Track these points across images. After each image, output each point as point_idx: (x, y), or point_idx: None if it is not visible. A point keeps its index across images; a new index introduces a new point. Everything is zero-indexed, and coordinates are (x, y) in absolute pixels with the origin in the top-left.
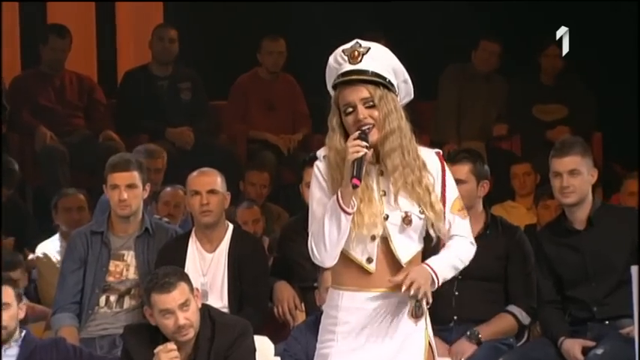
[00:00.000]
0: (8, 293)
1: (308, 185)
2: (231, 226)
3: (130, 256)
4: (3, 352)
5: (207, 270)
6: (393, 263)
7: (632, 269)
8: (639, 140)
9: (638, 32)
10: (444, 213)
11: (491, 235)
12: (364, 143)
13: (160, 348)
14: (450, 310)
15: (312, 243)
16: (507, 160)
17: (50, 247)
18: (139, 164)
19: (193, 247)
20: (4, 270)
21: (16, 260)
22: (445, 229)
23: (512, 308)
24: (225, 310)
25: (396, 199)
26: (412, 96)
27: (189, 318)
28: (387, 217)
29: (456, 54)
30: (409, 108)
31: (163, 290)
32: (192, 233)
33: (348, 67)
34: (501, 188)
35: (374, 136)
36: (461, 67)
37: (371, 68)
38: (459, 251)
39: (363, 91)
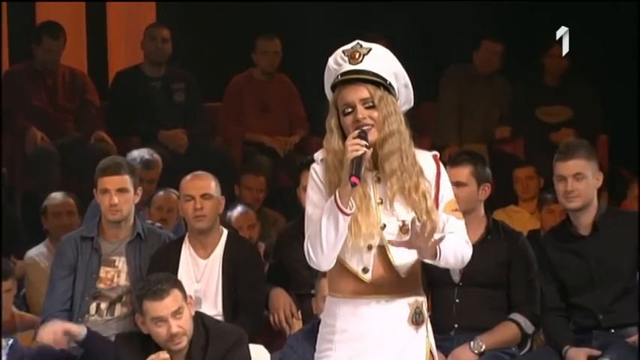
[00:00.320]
0: None
1: (305, 189)
2: (225, 232)
3: (121, 262)
4: None
5: (201, 276)
6: (391, 272)
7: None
8: None
9: (639, 32)
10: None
11: (493, 241)
12: (364, 142)
13: (152, 357)
14: (451, 317)
15: (308, 246)
16: (510, 163)
17: (39, 253)
18: (131, 167)
19: (186, 252)
20: None
21: (8, 269)
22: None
23: (516, 316)
24: (220, 318)
25: (391, 206)
26: (412, 104)
27: (182, 326)
28: (384, 227)
29: (457, 54)
30: (409, 112)
31: (156, 297)
32: (186, 239)
33: (348, 67)
34: (504, 192)
35: (373, 136)
36: (462, 68)
37: (372, 69)
38: (458, 245)
39: (363, 91)
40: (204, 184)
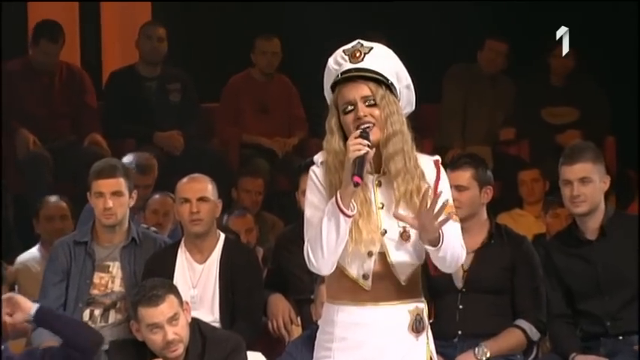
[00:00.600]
0: None
1: (304, 193)
2: (222, 236)
3: (115, 268)
4: None
5: (198, 282)
6: (391, 279)
7: None
8: None
9: (639, 32)
10: None
11: (496, 245)
12: (366, 142)
13: None
14: (454, 324)
15: (308, 249)
16: (515, 165)
17: (31, 258)
18: (126, 170)
19: (182, 257)
20: None
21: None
22: None
23: (521, 323)
24: (217, 325)
25: (397, 207)
26: (414, 107)
27: (178, 333)
28: (384, 232)
29: (460, 54)
30: (411, 113)
31: (151, 303)
32: (182, 243)
33: (348, 65)
34: (508, 196)
35: (375, 135)
36: (466, 68)
37: (373, 67)
38: (456, 243)
39: (364, 89)
40: (200, 187)
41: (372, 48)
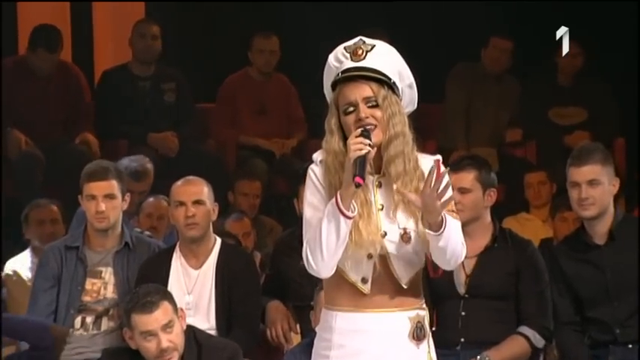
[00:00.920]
0: None
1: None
2: (219, 240)
3: (108, 274)
4: None
5: (193, 288)
6: (392, 283)
7: None
8: None
9: (639, 32)
10: None
11: (500, 249)
12: (367, 141)
13: None
14: (456, 332)
15: (307, 251)
16: (521, 168)
17: (20, 264)
18: (118, 172)
19: (177, 262)
20: None
21: None
22: None
23: (525, 330)
24: (213, 332)
25: (395, 213)
26: (415, 106)
27: (172, 340)
28: (384, 234)
29: (464, 52)
30: (413, 113)
31: (145, 310)
32: (177, 248)
33: (350, 64)
34: (514, 199)
35: (377, 137)
36: (469, 67)
37: (375, 66)
38: (458, 237)
39: (366, 89)
40: (196, 190)
41: (374, 46)
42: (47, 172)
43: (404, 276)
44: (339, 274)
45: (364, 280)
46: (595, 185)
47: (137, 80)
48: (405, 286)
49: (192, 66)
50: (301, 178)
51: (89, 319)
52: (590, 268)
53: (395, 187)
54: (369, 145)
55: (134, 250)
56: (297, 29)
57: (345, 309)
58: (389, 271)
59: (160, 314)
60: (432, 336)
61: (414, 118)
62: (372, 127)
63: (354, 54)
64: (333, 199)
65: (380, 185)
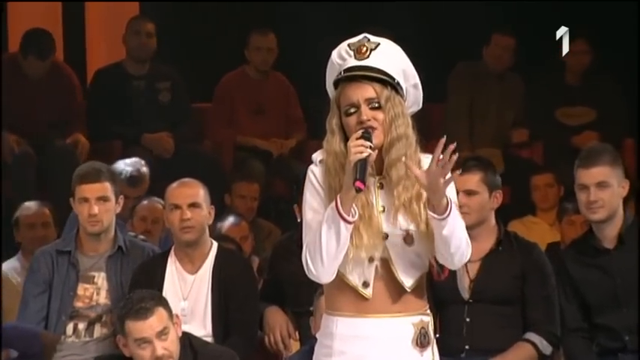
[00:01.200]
0: None
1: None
2: (215, 245)
3: (100, 279)
4: None
5: (189, 293)
6: (394, 287)
7: None
8: None
9: (639, 32)
10: None
11: (505, 252)
12: (368, 143)
13: None
14: (461, 338)
15: (306, 256)
16: (527, 169)
17: (10, 268)
18: (111, 174)
19: (173, 267)
20: None
21: None
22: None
23: (531, 336)
24: (209, 340)
25: (395, 216)
26: (420, 106)
27: (167, 348)
28: (386, 237)
29: (465, 51)
30: (417, 113)
31: (139, 317)
32: (172, 252)
33: (353, 62)
34: (520, 202)
35: (378, 139)
36: (471, 66)
37: (379, 65)
38: (463, 233)
39: (369, 90)
40: (192, 193)
41: (378, 44)
42: (39, 174)
43: (407, 279)
44: (340, 279)
45: (366, 285)
46: (604, 187)
47: (131, 79)
48: (408, 290)
49: (187, 64)
50: (301, 183)
51: (81, 326)
52: (599, 273)
53: (395, 191)
54: (370, 147)
55: (128, 255)
56: (295, 26)
57: (347, 314)
58: (391, 274)
59: (155, 321)
60: (436, 343)
61: (419, 117)
62: (374, 129)
63: (357, 52)
64: (333, 203)
65: (381, 187)
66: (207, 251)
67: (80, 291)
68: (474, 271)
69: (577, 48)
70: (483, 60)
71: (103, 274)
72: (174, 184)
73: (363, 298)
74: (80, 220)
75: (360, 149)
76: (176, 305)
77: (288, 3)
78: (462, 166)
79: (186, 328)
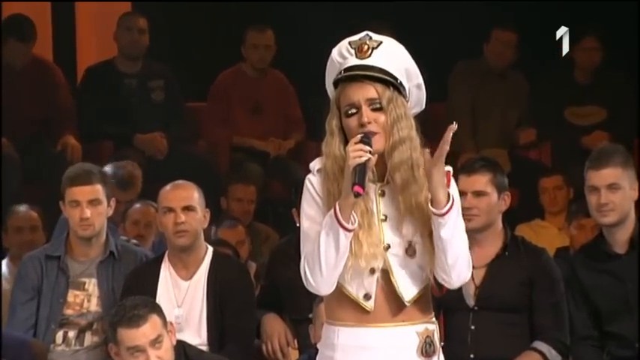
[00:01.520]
0: None
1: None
2: (210, 249)
3: (91, 285)
4: None
5: (183, 300)
6: (395, 299)
7: None
8: None
9: (639, 32)
10: None
11: (511, 257)
12: (367, 148)
13: None
14: (466, 347)
15: (305, 266)
16: (535, 171)
17: None
18: (102, 176)
19: (166, 273)
20: None
21: None
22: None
23: (540, 345)
24: (204, 348)
25: (400, 225)
26: (423, 107)
27: (161, 357)
28: (388, 247)
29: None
30: (420, 114)
31: (131, 324)
32: (165, 257)
33: (354, 61)
34: (528, 205)
35: (379, 143)
36: (472, 64)
37: (381, 65)
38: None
39: (370, 90)
40: (186, 195)
41: (380, 42)
42: (25, 176)
43: (407, 293)
44: (340, 290)
45: (367, 297)
46: (615, 190)
47: (123, 77)
48: (407, 304)
49: (181, 62)
50: (300, 186)
51: (71, 334)
52: (610, 279)
53: (400, 197)
54: (370, 152)
55: (120, 260)
56: (294, 22)
57: (348, 324)
58: (392, 287)
59: (148, 329)
60: (442, 352)
61: (422, 117)
62: (374, 133)
63: (359, 50)
64: (332, 211)
65: (383, 194)
66: (202, 256)
67: (70, 298)
68: (480, 277)
69: (587, 45)
70: (484, 57)
71: (93, 280)
72: (168, 187)
73: (364, 309)
74: (71, 223)
75: (358, 154)
76: (170, 312)
77: None
78: (469, 167)
79: (180, 336)
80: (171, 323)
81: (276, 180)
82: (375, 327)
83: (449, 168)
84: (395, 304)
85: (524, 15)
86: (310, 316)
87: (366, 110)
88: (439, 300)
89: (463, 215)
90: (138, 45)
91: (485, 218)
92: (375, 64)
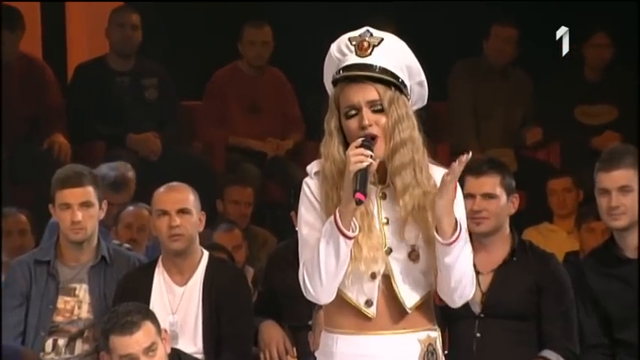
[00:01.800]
0: None
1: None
2: (206, 254)
3: (82, 291)
4: None
5: (178, 307)
6: (397, 305)
7: None
8: None
9: (639, 31)
10: None
11: (519, 263)
12: (369, 152)
13: None
14: (471, 355)
15: (304, 275)
16: (543, 172)
17: None
18: (94, 178)
19: (160, 278)
20: None
21: None
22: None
23: (548, 353)
24: (200, 357)
25: (403, 227)
26: (425, 102)
27: None
28: (389, 251)
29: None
30: (423, 115)
31: (124, 332)
32: (159, 262)
33: (354, 59)
34: (536, 208)
35: (379, 149)
36: (471, 62)
37: (382, 64)
38: (471, 267)
39: (371, 92)
40: (181, 198)
41: (382, 40)
42: (12, 177)
43: (409, 299)
44: (340, 296)
45: (369, 303)
46: (626, 192)
47: (115, 75)
48: (409, 311)
49: (176, 59)
50: (299, 189)
51: (61, 342)
52: (621, 285)
53: (401, 201)
54: (371, 156)
55: (112, 265)
56: (292, 18)
57: (348, 331)
58: (393, 292)
59: (142, 336)
60: None
61: (424, 119)
62: (376, 137)
63: (359, 48)
64: (332, 217)
65: (384, 197)
66: (197, 261)
67: (60, 304)
68: (486, 283)
69: (597, 41)
70: (484, 55)
71: (84, 286)
72: (162, 189)
73: (365, 316)
74: (61, 227)
75: (359, 158)
76: (164, 319)
77: None
78: (477, 168)
79: (175, 344)
80: (165, 331)
81: (274, 182)
82: (375, 334)
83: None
84: (396, 311)
85: (530, 11)
86: (310, 323)
87: (366, 112)
88: (443, 307)
89: (472, 218)
90: (130, 41)
91: (494, 221)
92: (375, 62)
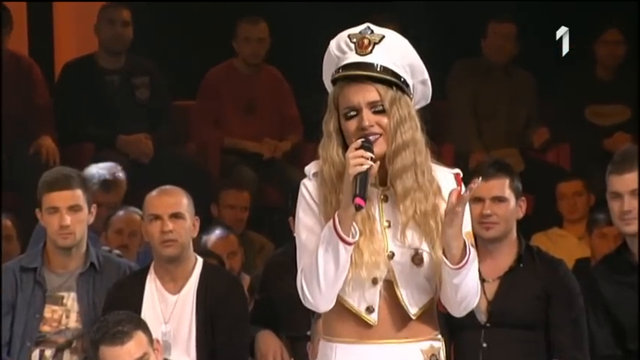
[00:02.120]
0: None
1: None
2: (200, 261)
3: (70, 299)
4: None
5: (171, 316)
6: (399, 312)
7: None
8: None
9: (639, 31)
10: None
11: (526, 270)
12: (369, 154)
13: None
14: None
15: (302, 282)
16: (553, 175)
17: None
18: (83, 181)
19: (152, 286)
20: None
21: None
22: None
23: None
24: None
25: (403, 232)
26: (429, 101)
27: None
28: (391, 256)
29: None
30: (426, 115)
31: (115, 342)
32: (151, 269)
33: (354, 57)
34: (545, 212)
35: (381, 148)
36: (470, 62)
37: (383, 63)
38: (477, 281)
39: (372, 92)
40: (173, 202)
41: (383, 37)
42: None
43: (412, 305)
44: (339, 302)
45: (370, 310)
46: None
47: (104, 74)
48: (413, 317)
49: (168, 57)
50: (297, 192)
51: (48, 353)
52: (634, 293)
53: (402, 206)
54: (371, 158)
55: (101, 272)
56: (289, 13)
57: (347, 340)
58: (396, 298)
59: (133, 346)
60: None
61: (427, 120)
62: (377, 136)
63: (359, 45)
64: (331, 222)
65: (386, 199)
66: (191, 268)
67: (47, 313)
68: (492, 291)
69: (609, 38)
70: (483, 53)
71: (73, 295)
72: (154, 193)
73: (366, 324)
74: (49, 232)
75: (359, 161)
76: (156, 329)
77: None
78: (485, 171)
79: (167, 354)
80: (157, 341)
81: (271, 185)
82: (376, 344)
83: (457, 170)
84: (399, 318)
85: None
86: (309, 333)
87: (367, 113)
88: (447, 315)
89: (481, 223)
90: (121, 39)
91: (504, 226)
92: (376, 61)
